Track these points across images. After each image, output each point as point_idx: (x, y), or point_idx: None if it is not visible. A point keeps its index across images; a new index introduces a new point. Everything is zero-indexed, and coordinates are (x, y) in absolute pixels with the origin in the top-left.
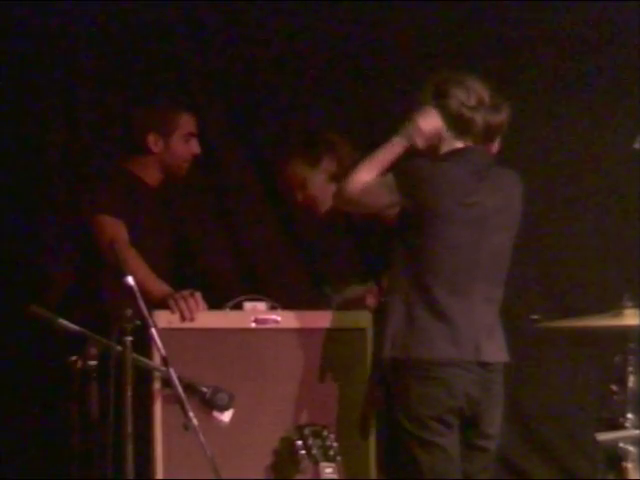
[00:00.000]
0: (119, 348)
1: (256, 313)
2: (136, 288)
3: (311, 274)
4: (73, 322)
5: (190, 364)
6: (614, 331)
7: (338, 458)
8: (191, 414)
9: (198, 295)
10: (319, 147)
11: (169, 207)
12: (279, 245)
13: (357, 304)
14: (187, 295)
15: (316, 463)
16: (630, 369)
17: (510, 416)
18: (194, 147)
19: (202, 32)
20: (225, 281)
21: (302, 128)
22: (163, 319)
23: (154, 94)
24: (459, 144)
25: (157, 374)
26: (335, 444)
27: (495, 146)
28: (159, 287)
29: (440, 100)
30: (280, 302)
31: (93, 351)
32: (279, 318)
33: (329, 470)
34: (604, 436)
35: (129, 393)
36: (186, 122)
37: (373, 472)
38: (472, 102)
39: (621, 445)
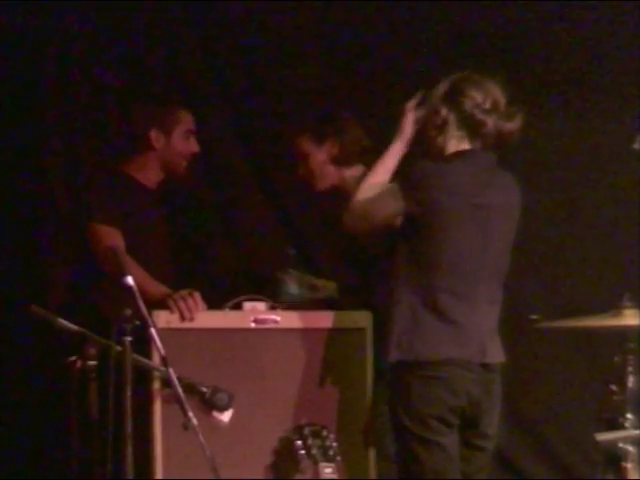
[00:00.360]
0: (118, 348)
1: (256, 313)
2: (135, 288)
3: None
4: (73, 322)
5: (189, 364)
6: (614, 331)
7: (338, 458)
8: (190, 414)
9: (197, 295)
10: (327, 128)
11: (168, 208)
12: (279, 245)
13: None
14: (186, 295)
15: (316, 463)
16: (629, 369)
17: (509, 416)
18: (193, 145)
19: (202, 32)
20: (225, 281)
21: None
22: (162, 319)
23: (153, 93)
24: (465, 146)
25: (156, 374)
26: (335, 444)
27: None
28: (157, 289)
29: (454, 98)
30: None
31: (92, 351)
32: (279, 318)
33: (329, 470)
34: (603, 436)
35: (128, 393)
36: (186, 119)
37: (373, 472)
38: (487, 105)
39: (620, 445)
